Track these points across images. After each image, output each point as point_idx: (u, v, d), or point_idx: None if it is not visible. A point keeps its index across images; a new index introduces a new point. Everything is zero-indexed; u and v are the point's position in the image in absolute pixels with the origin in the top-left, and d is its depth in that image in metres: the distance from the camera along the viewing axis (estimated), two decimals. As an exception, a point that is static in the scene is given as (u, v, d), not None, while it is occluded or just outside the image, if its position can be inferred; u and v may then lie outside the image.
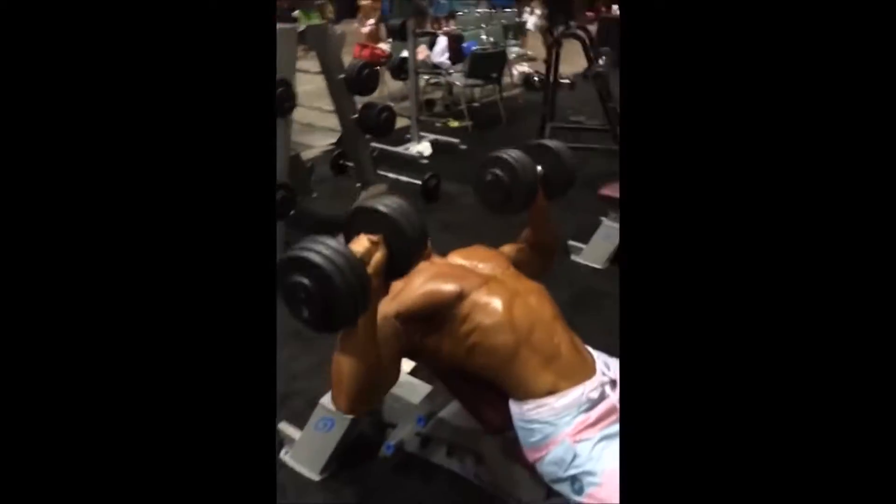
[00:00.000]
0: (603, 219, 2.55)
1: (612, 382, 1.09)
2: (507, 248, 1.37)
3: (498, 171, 1.25)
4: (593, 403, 1.04)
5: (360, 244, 0.95)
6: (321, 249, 0.85)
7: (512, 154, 1.25)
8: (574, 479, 1.00)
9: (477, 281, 1.13)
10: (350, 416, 1.46)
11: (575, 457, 1.01)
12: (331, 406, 1.49)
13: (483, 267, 1.22)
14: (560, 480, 1.03)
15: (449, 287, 1.11)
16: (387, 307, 1.10)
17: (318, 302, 0.86)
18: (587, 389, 1.05)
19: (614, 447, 1.01)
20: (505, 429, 1.16)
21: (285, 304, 0.91)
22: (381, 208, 0.98)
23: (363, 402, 1.02)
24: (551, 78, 3.99)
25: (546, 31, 5.63)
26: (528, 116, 4.85)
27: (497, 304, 1.09)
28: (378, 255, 0.95)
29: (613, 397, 1.06)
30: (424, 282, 1.14)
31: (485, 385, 1.16)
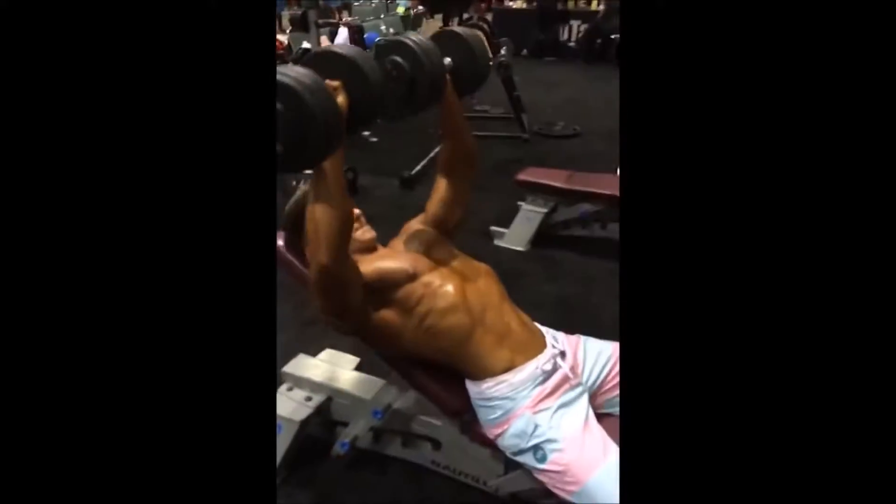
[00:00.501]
0: (521, 203, 2.64)
1: (562, 354, 1.15)
2: (431, 206, 1.28)
3: (398, 59, 1.03)
4: (548, 375, 1.10)
5: None
6: (289, 72, 0.78)
7: (414, 38, 1.06)
8: (537, 448, 1.05)
9: (427, 264, 1.15)
10: (299, 419, 1.43)
11: (536, 427, 1.05)
12: (278, 411, 1.45)
13: (431, 252, 1.24)
14: (522, 452, 1.07)
15: (400, 265, 1.12)
16: None
17: (293, 129, 0.77)
18: (541, 363, 1.10)
19: (572, 414, 1.07)
20: (463, 411, 1.19)
21: None
22: (341, 51, 0.92)
23: (343, 253, 0.97)
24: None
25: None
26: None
27: (449, 287, 1.12)
28: (340, 99, 0.88)
29: (565, 367, 1.12)
30: (374, 260, 1.14)
31: (441, 370, 1.18)
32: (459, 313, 1.10)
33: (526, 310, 1.27)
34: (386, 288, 1.11)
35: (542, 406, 1.07)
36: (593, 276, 2.39)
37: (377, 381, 1.49)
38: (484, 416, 1.13)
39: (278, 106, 0.78)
